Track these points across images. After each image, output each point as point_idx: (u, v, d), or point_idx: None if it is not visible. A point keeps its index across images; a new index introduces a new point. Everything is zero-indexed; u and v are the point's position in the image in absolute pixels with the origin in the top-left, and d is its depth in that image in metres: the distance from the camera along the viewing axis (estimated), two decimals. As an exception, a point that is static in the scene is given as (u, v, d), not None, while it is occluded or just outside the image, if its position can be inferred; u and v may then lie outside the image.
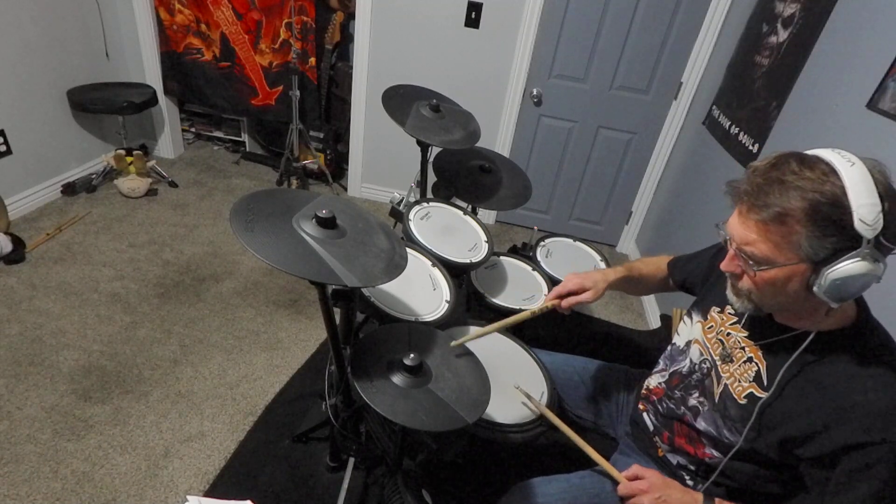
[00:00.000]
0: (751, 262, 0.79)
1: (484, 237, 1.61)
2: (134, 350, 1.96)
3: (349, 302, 1.16)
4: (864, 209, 0.69)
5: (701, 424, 1.00)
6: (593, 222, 3.35)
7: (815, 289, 0.75)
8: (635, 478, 1.00)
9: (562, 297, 1.15)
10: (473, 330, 1.30)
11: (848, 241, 0.71)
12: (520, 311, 1.42)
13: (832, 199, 0.70)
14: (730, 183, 0.81)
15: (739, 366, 0.95)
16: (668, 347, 1.18)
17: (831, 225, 0.71)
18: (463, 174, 1.83)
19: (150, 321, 2.11)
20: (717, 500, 0.93)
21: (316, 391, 1.87)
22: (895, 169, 0.74)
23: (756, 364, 0.92)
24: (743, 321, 0.98)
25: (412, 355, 0.97)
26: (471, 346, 1.14)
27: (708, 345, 1.04)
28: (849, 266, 0.71)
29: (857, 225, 0.69)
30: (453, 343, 1.11)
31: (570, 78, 2.86)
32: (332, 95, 3.34)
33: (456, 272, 1.48)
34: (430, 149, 1.76)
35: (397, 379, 0.97)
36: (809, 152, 0.78)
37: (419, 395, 0.96)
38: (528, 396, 1.18)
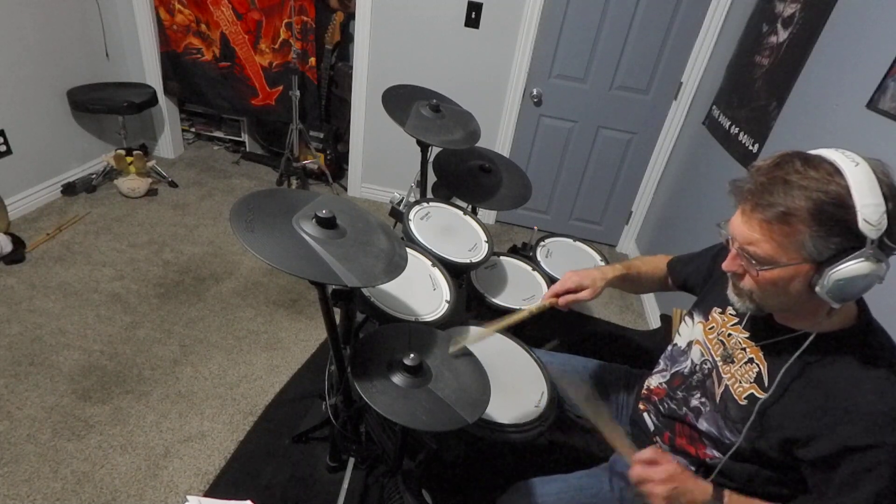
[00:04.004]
0: (753, 262, 0.79)
1: (484, 237, 1.61)
2: (134, 350, 1.96)
3: (349, 302, 1.16)
4: (869, 209, 0.69)
5: (702, 425, 1.00)
6: (593, 222, 3.35)
7: (817, 289, 0.75)
8: (651, 462, 0.91)
9: (559, 294, 1.15)
10: (472, 332, 1.29)
11: (852, 241, 0.71)
12: (518, 311, 1.41)
13: (837, 199, 0.70)
14: (733, 182, 0.81)
15: (740, 367, 0.95)
16: (669, 348, 1.18)
17: (835, 225, 0.71)
18: (463, 174, 1.83)
19: (150, 321, 2.11)
20: (725, 491, 0.90)
21: (316, 391, 1.86)
22: (896, 169, 0.74)
23: (757, 365, 0.92)
24: (744, 322, 0.97)
25: (412, 355, 0.97)
26: (470, 346, 1.13)
27: (709, 345, 1.03)
28: (852, 266, 0.71)
29: (862, 225, 0.69)
30: (452, 350, 1.08)
31: (570, 78, 2.86)
32: (332, 95, 3.34)
33: (456, 272, 1.48)
34: (430, 149, 1.76)
35: (397, 379, 0.97)
36: (813, 152, 0.77)
37: (419, 395, 0.96)
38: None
